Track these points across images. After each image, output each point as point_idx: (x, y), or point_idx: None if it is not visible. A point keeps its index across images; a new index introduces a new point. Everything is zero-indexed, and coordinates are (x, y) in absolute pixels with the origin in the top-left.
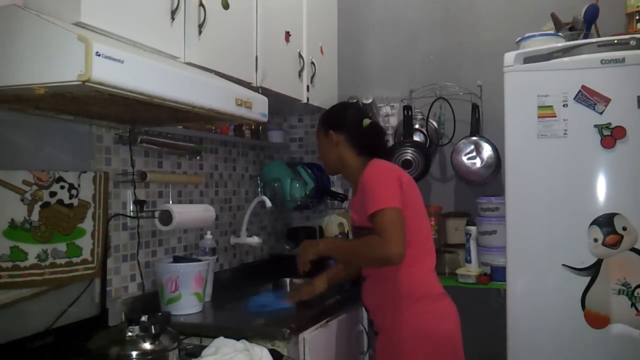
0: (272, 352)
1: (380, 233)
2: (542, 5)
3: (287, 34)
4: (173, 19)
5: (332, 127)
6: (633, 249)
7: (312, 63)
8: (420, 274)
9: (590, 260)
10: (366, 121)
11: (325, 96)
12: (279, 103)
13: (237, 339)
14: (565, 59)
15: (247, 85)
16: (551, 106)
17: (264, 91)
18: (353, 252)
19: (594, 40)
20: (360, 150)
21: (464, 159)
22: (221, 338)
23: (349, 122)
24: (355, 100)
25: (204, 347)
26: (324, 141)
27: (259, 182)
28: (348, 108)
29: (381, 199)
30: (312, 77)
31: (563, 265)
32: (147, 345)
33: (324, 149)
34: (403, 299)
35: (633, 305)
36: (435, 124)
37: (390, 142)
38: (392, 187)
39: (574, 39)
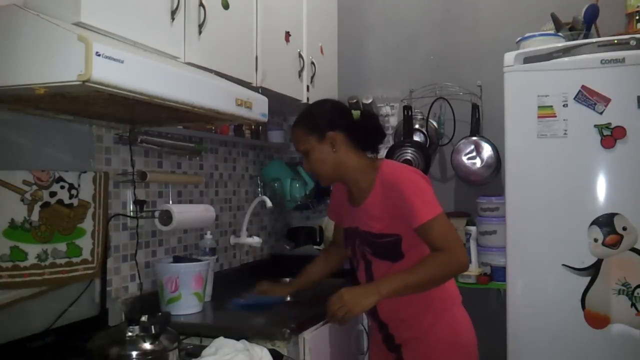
0: (272, 352)
1: (444, 244)
2: (542, 5)
3: (287, 34)
4: (173, 19)
5: (327, 128)
6: (633, 249)
7: (312, 63)
8: (450, 282)
9: (590, 260)
10: (356, 113)
11: (325, 96)
12: (279, 103)
13: (237, 339)
14: (565, 59)
15: (247, 85)
16: (551, 106)
17: (264, 91)
18: (427, 281)
19: (594, 40)
20: (359, 145)
21: (464, 159)
22: (221, 338)
23: (341, 117)
24: (355, 101)
25: (204, 347)
26: (318, 149)
27: (259, 182)
28: (327, 103)
29: (430, 206)
30: (312, 77)
31: (563, 265)
32: (147, 345)
33: (318, 158)
34: (438, 310)
35: (633, 305)
36: (435, 124)
37: (390, 142)
38: (431, 191)
39: (574, 39)
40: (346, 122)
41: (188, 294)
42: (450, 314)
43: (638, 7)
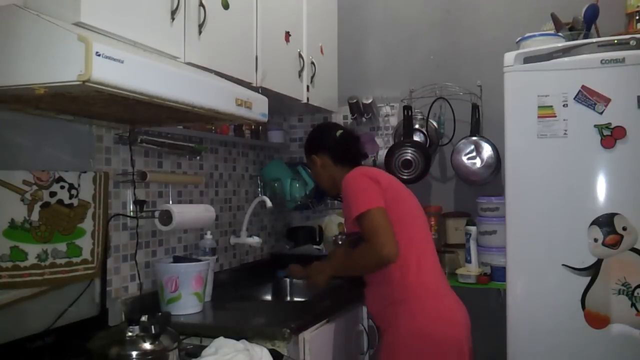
0: (272, 352)
1: (368, 237)
2: (542, 5)
3: (287, 34)
4: (173, 19)
5: (313, 152)
6: (633, 249)
7: (312, 63)
8: (413, 275)
9: (590, 260)
10: (339, 132)
11: (325, 96)
12: (279, 103)
13: (237, 339)
14: (565, 59)
15: (247, 85)
16: (551, 106)
17: (264, 91)
18: (355, 266)
19: (594, 40)
20: (339, 160)
21: (464, 159)
22: (221, 338)
23: (325, 139)
24: (355, 101)
25: (204, 347)
26: (313, 167)
27: (259, 182)
28: (319, 129)
29: (362, 201)
30: (312, 77)
31: (563, 265)
32: (147, 345)
33: (316, 174)
34: (398, 302)
35: (633, 305)
36: (435, 124)
37: (390, 142)
38: (370, 187)
39: (574, 39)
40: (327, 144)
41: (188, 294)
42: (412, 306)
43: (638, 7)
